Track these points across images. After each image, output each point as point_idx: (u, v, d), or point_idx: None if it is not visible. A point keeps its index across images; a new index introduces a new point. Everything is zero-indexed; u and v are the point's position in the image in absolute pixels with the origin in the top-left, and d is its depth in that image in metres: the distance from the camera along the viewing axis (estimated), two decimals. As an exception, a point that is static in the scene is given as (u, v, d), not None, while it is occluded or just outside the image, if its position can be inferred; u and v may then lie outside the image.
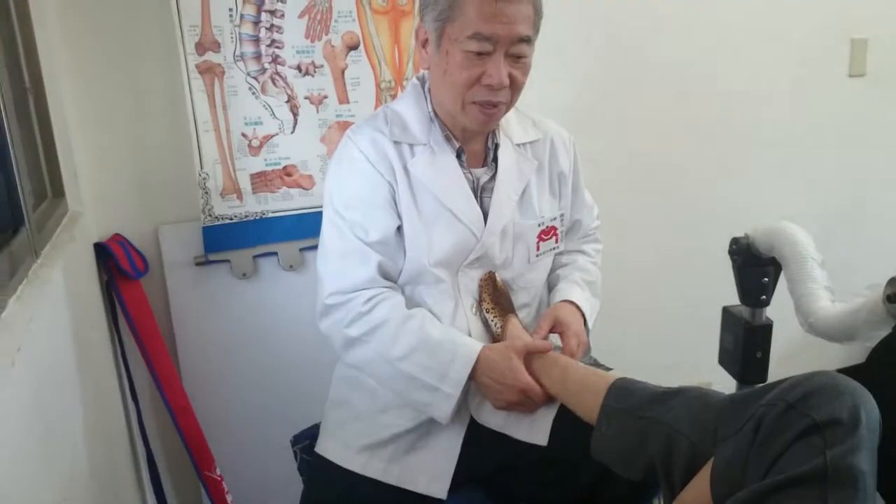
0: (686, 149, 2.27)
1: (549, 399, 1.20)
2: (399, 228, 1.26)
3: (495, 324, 1.30)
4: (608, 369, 1.37)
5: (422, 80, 1.34)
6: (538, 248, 1.37)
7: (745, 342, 1.50)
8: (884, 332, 1.09)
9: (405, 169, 1.26)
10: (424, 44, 1.25)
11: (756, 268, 1.45)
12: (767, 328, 1.50)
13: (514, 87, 1.22)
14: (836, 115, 2.43)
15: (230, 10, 1.66)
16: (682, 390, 1.07)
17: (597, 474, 1.18)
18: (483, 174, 1.32)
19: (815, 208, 2.40)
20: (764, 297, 1.48)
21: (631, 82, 2.16)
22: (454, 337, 1.22)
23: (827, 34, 2.35)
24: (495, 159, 1.33)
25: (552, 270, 1.49)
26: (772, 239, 1.38)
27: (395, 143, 1.27)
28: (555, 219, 1.39)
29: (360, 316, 1.21)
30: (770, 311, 1.51)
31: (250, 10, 1.68)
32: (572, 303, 1.37)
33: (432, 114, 1.30)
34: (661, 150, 2.24)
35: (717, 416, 0.97)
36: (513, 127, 1.37)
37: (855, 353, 1.16)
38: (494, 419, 1.24)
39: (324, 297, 1.25)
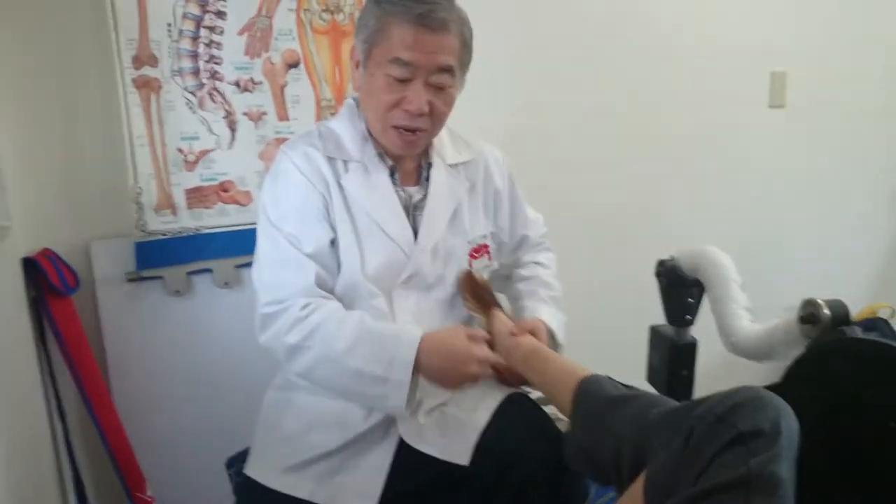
0: (615, 176, 2.35)
1: (508, 372, 1.26)
2: (333, 242, 1.27)
3: (479, 320, 1.33)
4: None
5: (357, 101, 1.37)
6: (471, 266, 1.40)
7: (671, 360, 1.55)
8: (798, 352, 1.16)
9: (339, 184, 1.28)
10: (357, 64, 1.29)
11: (681, 289, 1.51)
12: (692, 347, 1.56)
13: (435, 115, 1.26)
14: (757, 143, 2.54)
15: (168, 24, 1.66)
16: (635, 396, 1.13)
17: (524, 480, 1.19)
18: (416, 193, 1.35)
19: (737, 233, 2.50)
20: (688, 316, 1.53)
21: (562, 112, 2.23)
22: (395, 326, 1.24)
23: (748, 67, 2.46)
24: (428, 178, 1.36)
25: (512, 282, 1.53)
26: (696, 261, 1.44)
27: (329, 158, 1.29)
28: (484, 236, 1.42)
29: (298, 322, 1.20)
30: (694, 331, 1.57)
31: (189, 26, 1.68)
32: (542, 322, 1.40)
33: (366, 132, 1.32)
34: (591, 177, 2.31)
35: (652, 428, 1.02)
36: (446, 147, 1.40)
37: (775, 372, 1.22)
38: (420, 442, 1.25)
39: (260, 310, 1.24)
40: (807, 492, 1.11)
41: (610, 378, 1.23)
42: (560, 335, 1.43)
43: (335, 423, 1.27)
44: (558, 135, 2.24)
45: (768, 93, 2.51)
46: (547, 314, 1.43)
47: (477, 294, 1.38)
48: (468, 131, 1.47)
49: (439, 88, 1.24)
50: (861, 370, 1.05)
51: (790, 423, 0.90)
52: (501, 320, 1.38)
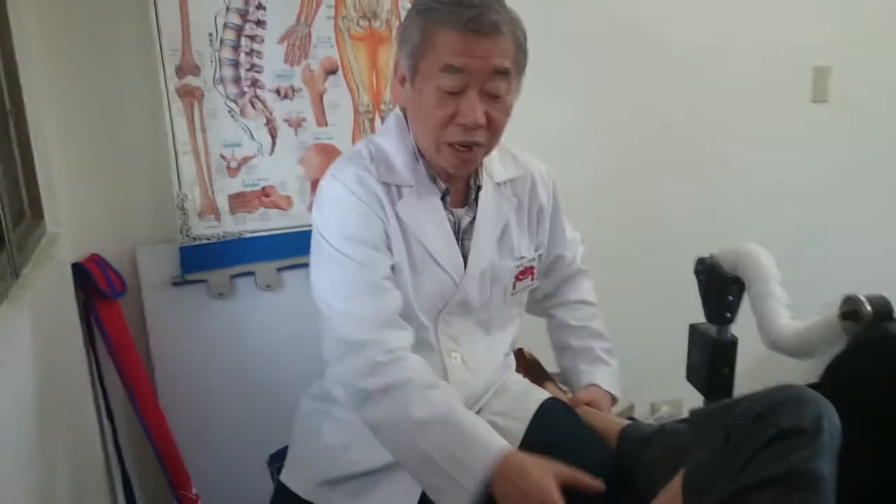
0: (657, 173, 2.33)
1: None
2: (393, 266, 1.20)
3: None
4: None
5: (404, 112, 1.27)
6: (514, 288, 1.35)
7: (712, 359, 1.54)
8: (839, 348, 1.14)
9: (395, 212, 1.21)
10: (402, 81, 1.20)
11: (721, 286, 1.49)
12: (732, 345, 1.54)
13: (493, 128, 1.16)
14: (800, 139, 2.51)
15: (210, 34, 1.70)
16: (663, 428, 1.18)
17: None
18: (464, 215, 1.28)
19: (780, 229, 2.46)
20: (728, 314, 1.52)
21: (602, 109, 2.22)
22: (482, 425, 1.10)
23: (791, 62, 2.43)
24: (476, 199, 1.29)
25: (558, 327, 1.50)
26: (736, 259, 1.43)
27: (384, 183, 1.21)
28: (533, 259, 1.37)
29: (379, 367, 1.10)
30: (735, 329, 1.56)
31: (230, 36, 1.71)
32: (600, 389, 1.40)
33: (416, 151, 1.24)
34: (631, 174, 2.30)
35: (691, 429, 1.03)
36: (494, 164, 1.32)
37: (815, 369, 1.20)
38: None
39: (340, 337, 1.16)
40: (849, 491, 1.09)
41: (649, 424, 1.26)
42: (618, 393, 1.42)
43: (375, 444, 1.18)
44: (598, 132, 2.23)
45: (811, 88, 2.47)
46: (604, 377, 1.41)
47: (528, 372, 1.38)
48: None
49: (495, 97, 1.14)
50: (905, 365, 1.03)
51: (832, 420, 0.89)
52: (554, 394, 1.39)
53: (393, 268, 1.20)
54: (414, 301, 1.22)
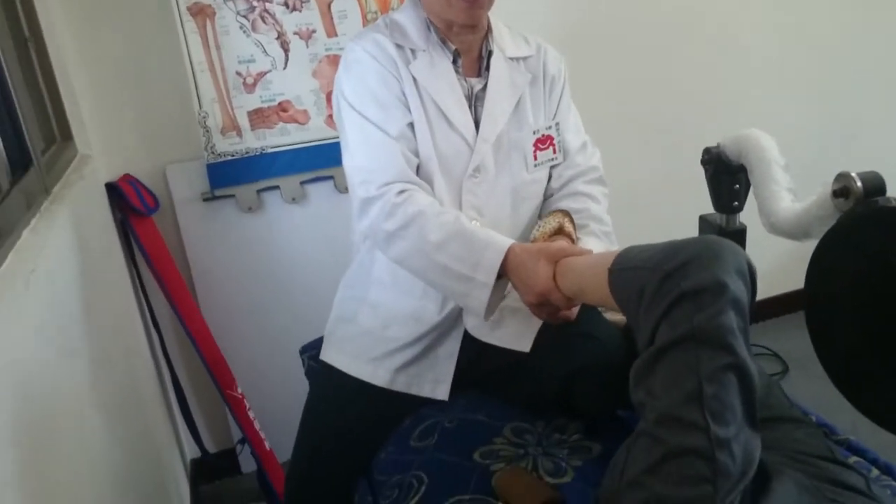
0: (671, 65, 2.31)
1: (569, 302, 1.17)
2: (411, 125, 1.28)
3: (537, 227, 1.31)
4: None
5: None
6: (535, 158, 1.39)
7: (720, 247, 1.55)
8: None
9: (409, 71, 1.29)
10: None
11: (727, 175, 1.50)
12: (741, 233, 1.55)
13: None
14: (813, 28, 2.44)
15: (217, -50, 1.72)
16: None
17: (570, 377, 1.26)
18: (476, 83, 1.34)
19: (792, 116, 2.43)
20: (736, 203, 1.52)
21: (608, 3, 2.19)
22: (488, 231, 1.22)
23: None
24: (488, 68, 1.35)
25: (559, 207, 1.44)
26: (740, 146, 1.42)
27: (398, 45, 1.30)
28: (550, 128, 1.40)
29: (396, 208, 1.21)
30: (744, 217, 1.57)
31: (236, -49, 1.73)
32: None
33: (428, 21, 1.32)
34: (642, 69, 2.28)
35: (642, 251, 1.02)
36: (506, 40, 1.38)
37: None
38: (483, 332, 1.32)
39: (357, 194, 1.26)
40: (839, 358, 1.14)
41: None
42: None
43: (411, 318, 1.34)
44: (608, 24, 2.21)
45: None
46: (596, 248, 1.35)
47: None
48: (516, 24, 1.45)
49: None
50: (892, 236, 1.04)
51: (741, 272, 0.89)
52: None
53: (412, 126, 1.28)
54: (435, 157, 1.29)
